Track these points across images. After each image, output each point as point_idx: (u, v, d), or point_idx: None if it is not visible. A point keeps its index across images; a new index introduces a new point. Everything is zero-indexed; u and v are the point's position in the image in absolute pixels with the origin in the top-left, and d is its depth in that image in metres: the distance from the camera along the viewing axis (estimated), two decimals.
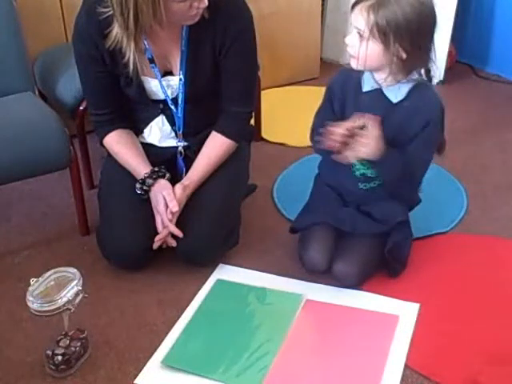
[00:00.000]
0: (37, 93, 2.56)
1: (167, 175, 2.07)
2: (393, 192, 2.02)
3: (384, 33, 1.79)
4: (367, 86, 1.94)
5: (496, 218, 2.36)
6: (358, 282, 2.00)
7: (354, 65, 1.89)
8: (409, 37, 1.80)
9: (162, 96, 2.08)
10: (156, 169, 2.07)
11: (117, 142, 2.12)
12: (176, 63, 2.03)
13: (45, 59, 2.63)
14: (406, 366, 1.77)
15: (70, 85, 2.39)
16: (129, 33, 1.86)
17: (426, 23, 1.83)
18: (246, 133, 2.22)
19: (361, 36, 1.82)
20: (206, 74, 2.04)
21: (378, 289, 2.02)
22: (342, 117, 1.95)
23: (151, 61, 2.00)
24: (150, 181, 2.04)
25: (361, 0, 1.81)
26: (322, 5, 3.45)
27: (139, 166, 2.08)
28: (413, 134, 1.91)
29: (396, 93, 1.91)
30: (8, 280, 2.12)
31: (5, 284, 2.11)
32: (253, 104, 2.20)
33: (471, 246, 2.23)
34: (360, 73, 1.93)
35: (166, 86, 2.05)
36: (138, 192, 2.05)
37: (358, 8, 1.82)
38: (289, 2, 3.26)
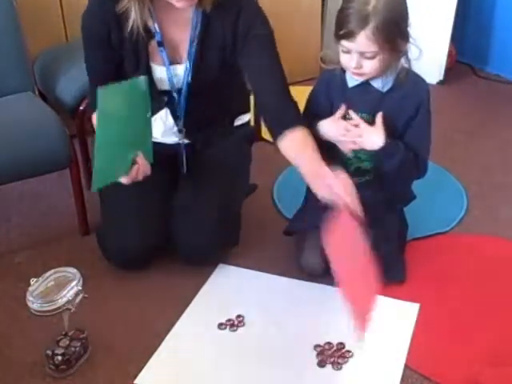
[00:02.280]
0: (37, 93, 2.56)
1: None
2: (390, 185, 2.03)
3: (392, 41, 1.82)
4: (353, 81, 1.95)
5: (496, 218, 2.36)
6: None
7: (361, 78, 1.90)
8: (401, 29, 1.84)
9: (167, 86, 2.06)
10: None
11: None
12: (184, 52, 2.02)
13: (45, 59, 2.63)
14: (406, 366, 1.77)
15: (70, 85, 2.40)
16: None
17: (402, 8, 1.86)
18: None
19: (368, 57, 1.82)
20: (213, 65, 2.02)
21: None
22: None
23: (160, 44, 1.99)
24: None
25: (357, 28, 1.78)
26: (322, 5, 3.45)
27: None
28: (406, 119, 1.94)
29: (383, 82, 1.92)
30: (8, 280, 2.12)
31: (5, 284, 2.11)
32: (288, 86, 2.05)
33: (471, 246, 2.23)
34: (342, 70, 1.94)
35: (172, 75, 2.04)
36: None
37: (361, 37, 1.78)
38: (289, 2, 3.26)
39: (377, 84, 1.92)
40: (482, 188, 2.53)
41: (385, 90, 1.92)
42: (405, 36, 1.85)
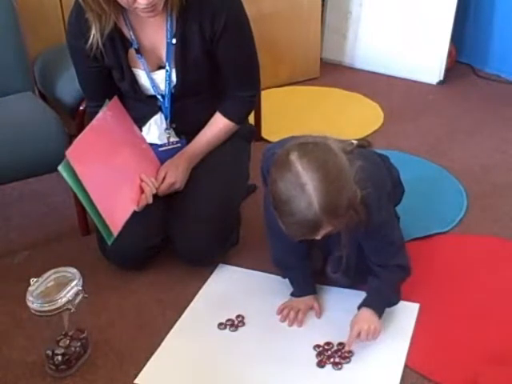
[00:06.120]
0: (37, 93, 2.56)
1: None
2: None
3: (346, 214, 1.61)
4: None
5: (496, 218, 2.36)
6: (351, 283, 1.99)
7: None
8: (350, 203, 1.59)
9: (152, 91, 2.07)
10: None
11: None
12: (164, 56, 2.02)
13: (45, 59, 2.63)
14: (406, 366, 1.77)
15: (70, 85, 2.39)
16: (93, 12, 1.87)
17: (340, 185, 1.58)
18: (248, 114, 2.25)
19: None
20: (196, 65, 2.02)
21: None
22: None
23: (137, 51, 2.00)
24: None
25: (313, 234, 1.60)
26: (322, 5, 3.45)
27: None
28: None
29: None
30: (8, 280, 2.12)
31: (5, 284, 2.11)
32: (256, 86, 2.19)
33: (471, 246, 2.23)
34: None
35: (157, 80, 2.05)
36: None
37: (324, 227, 1.57)
38: (289, 2, 3.26)
39: None
40: (482, 188, 2.53)
41: None
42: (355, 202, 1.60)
